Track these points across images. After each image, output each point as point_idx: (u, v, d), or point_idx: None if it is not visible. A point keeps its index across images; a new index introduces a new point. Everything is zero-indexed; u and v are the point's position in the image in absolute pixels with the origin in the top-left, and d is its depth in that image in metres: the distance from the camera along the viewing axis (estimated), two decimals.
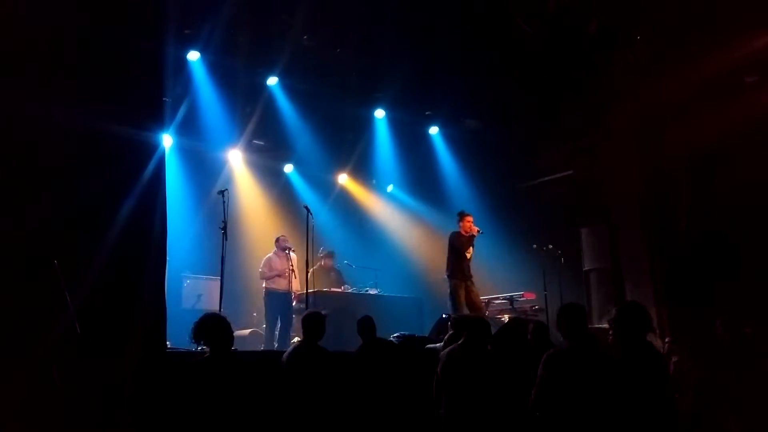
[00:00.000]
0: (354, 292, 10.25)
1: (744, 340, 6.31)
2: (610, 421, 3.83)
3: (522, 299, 9.49)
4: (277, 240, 9.70)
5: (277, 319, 9.19)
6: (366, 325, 5.96)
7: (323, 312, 5.66)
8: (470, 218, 8.81)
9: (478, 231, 8.72)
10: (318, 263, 10.30)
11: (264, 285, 9.43)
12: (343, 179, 12.90)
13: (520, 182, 12.27)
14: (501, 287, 10.12)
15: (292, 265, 9.38)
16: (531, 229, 10.90)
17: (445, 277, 8.70)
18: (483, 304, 8.79)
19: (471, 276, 8.66)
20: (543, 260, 9.57)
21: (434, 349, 6.35)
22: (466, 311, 8.26)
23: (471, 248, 8.69)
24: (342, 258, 11.00)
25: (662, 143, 9.43)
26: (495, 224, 11.63)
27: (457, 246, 8.63)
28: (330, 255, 10.53)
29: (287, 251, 9.51)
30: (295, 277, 9.37)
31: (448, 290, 8.55)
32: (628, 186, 10.13)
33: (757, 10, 7.94)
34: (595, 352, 4.13)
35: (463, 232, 8.68)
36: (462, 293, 8.45)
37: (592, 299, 10.27)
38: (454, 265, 8.62)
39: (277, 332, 9.14)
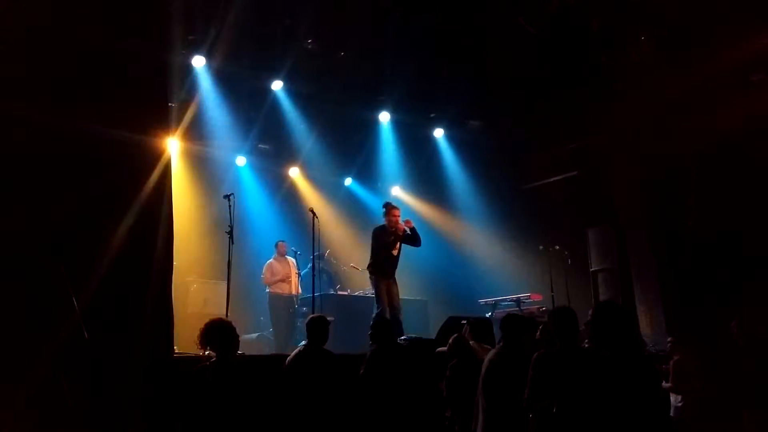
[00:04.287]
0: (360, 295, 10.26)
1: (758, 339, 6.28)
2: (600, 421, 3.80)
3: (529, 300, 9.48)
4: (276, 245, 9.72)
5: (284, 321, 9.23)
6: (382, 328, 5.92)
7: (328, 318, 5.66)
8: (397, 212, 8.02)
9: (404, 231, 7.90)
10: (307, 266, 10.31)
11: (268, 289, 9.52)
12: (348, 182, 12.95)
13: (526, 183, 12.24)
14: (508, 289, 10.10)
15: (297, 269, 9.45)
16: (537, 231, 10.89)
17: (366, 269, 8.13)
18: (400, 305, 8.00)
19: (392, 274, 7.98)
20: (550, 261, 9.57)
21: (442, 353, 6.32)
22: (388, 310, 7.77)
23: (398, 245, 7.98)
24: (348, 261, 11.03)
25: (668, 142, 9.40)
26: (501, 226, 11.67)
27: (380, 242, 7.91)
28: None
29: (287, 256, 9.55)
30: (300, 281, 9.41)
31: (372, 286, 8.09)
32: (634, 185, 10.09)
33: (761, 8, 7.90)
34: (585, 354, 4.12)
35: (389, 227, 7.93)
36: (383, 290, 7.84)
37: (600, 300, 10.22)
38: (375, 260, 7.96)
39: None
